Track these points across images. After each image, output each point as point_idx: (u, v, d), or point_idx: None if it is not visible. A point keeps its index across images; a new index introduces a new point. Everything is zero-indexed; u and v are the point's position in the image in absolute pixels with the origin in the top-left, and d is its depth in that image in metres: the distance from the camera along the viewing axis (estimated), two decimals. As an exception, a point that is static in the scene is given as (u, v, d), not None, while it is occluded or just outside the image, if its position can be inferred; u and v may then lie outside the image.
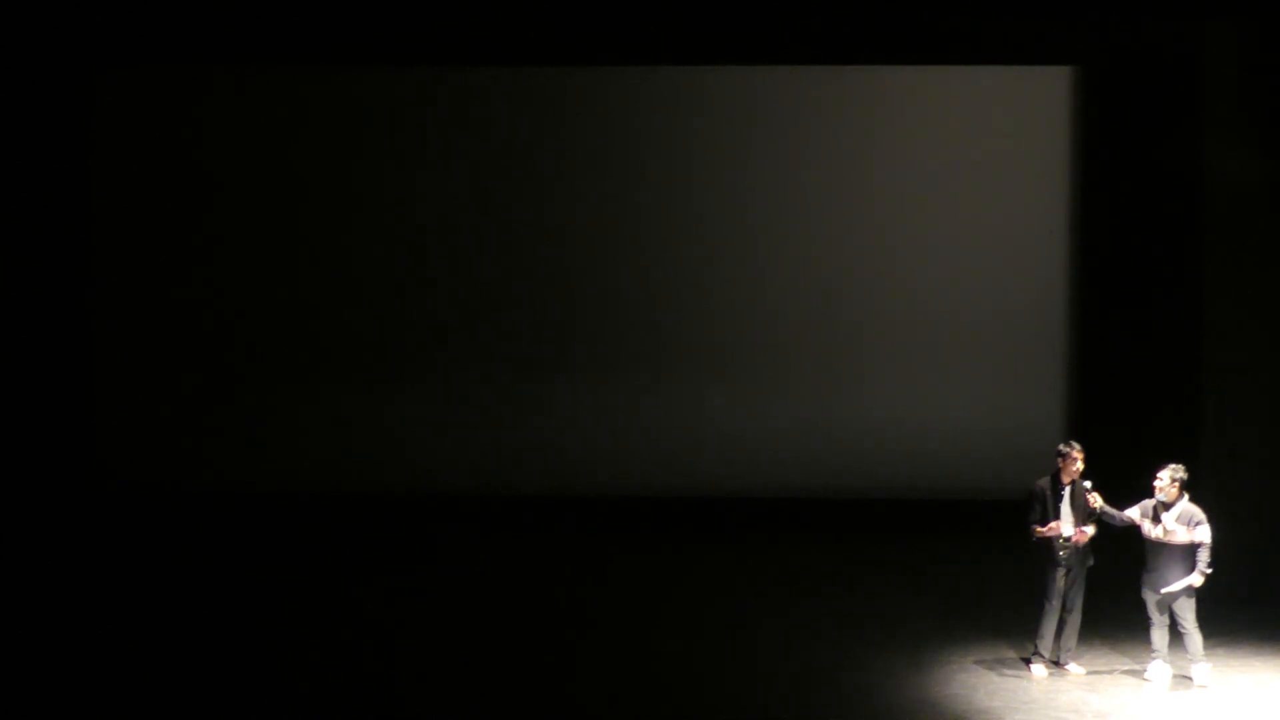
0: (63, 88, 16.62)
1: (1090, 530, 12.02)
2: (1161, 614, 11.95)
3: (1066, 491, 12.01)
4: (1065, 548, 12.00)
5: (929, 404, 17.02)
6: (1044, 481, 12.10)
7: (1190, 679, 11.89)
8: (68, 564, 15.22)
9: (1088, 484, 11.99)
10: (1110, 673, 12.21)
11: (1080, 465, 12.04)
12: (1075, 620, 12.18)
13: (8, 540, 15.59)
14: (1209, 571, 11.73)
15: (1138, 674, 12.10)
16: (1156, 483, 11.91)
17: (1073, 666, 12.19)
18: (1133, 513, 12.02)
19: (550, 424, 17.18)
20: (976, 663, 12.39)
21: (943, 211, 17.05)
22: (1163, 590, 11.83)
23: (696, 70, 16.96)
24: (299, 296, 17.20)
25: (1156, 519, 11.87)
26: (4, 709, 11.14)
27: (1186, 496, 11.87)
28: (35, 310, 16.52)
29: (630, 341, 17.25)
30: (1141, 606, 12.08)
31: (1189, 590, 11.81)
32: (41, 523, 16.16)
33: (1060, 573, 12.05)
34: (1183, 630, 11.89)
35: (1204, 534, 11.75)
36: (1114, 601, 12.75)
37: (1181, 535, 11.78)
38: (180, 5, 16.00)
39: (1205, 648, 12.00)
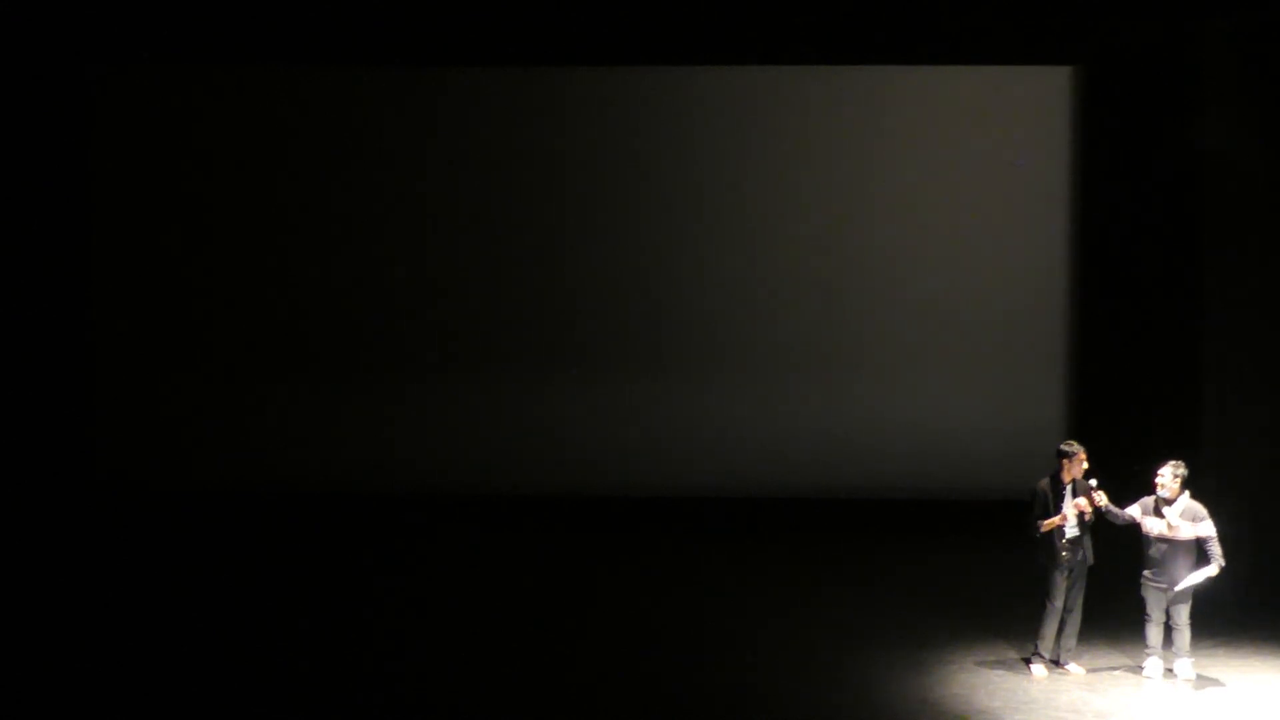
0: (62, 87, 16.62)
1: (1087, 506, 11.96)
2: (1162, 611, 11.98)
3: (1068, 491, 12.01)
4: (1068, 547, 11.99)
5: (929, 404, 17.01)
6: (1045, 482, 12.10)
7: (1174, 673, 11.97)
8: (67, 564, 15.22)
9: (1093, 482, 11.99)
10: (1110, 672, 12.21)
11: (1084, 465, 12.05)
12: (1075, 620, 12.18)
13: (8, 540, 15.60)
14: (1223, 563, 11.78)
15: (1137, 672, 12.11)
16: (1158, 479, 11.96)
17: (1073, 666, 12.19)
18: (1133, 510, 12.06)
19: (550, 424, 17.17)
20: (976, 663, 12.39)
21: (943, 211, 17.05)
22: (1178, 587, 11.85)
23: (696, 70, 16.96)
24: (299, 296, 17.20)
25: (1158, 514, 11.90)
26: (4, 709, 11.14)
27: (1188, 493, 11.92)
28: (35, 310, 16.53)
29: (630, 341, 17.24)
30: (1140, 605, 12.10)
31: (1196, 585, 11.85)
32: (41, 523, 16.17)
33: (1062, 573, 12.04)
34: (1174, 625, 11.95)
35: (1208, 528, 11.83)
36: (1114, 601, 12.76)
37: (1186, 531, 11.83)
38: (180, 5, 16.02)
39: (1205, 647, 12.01)
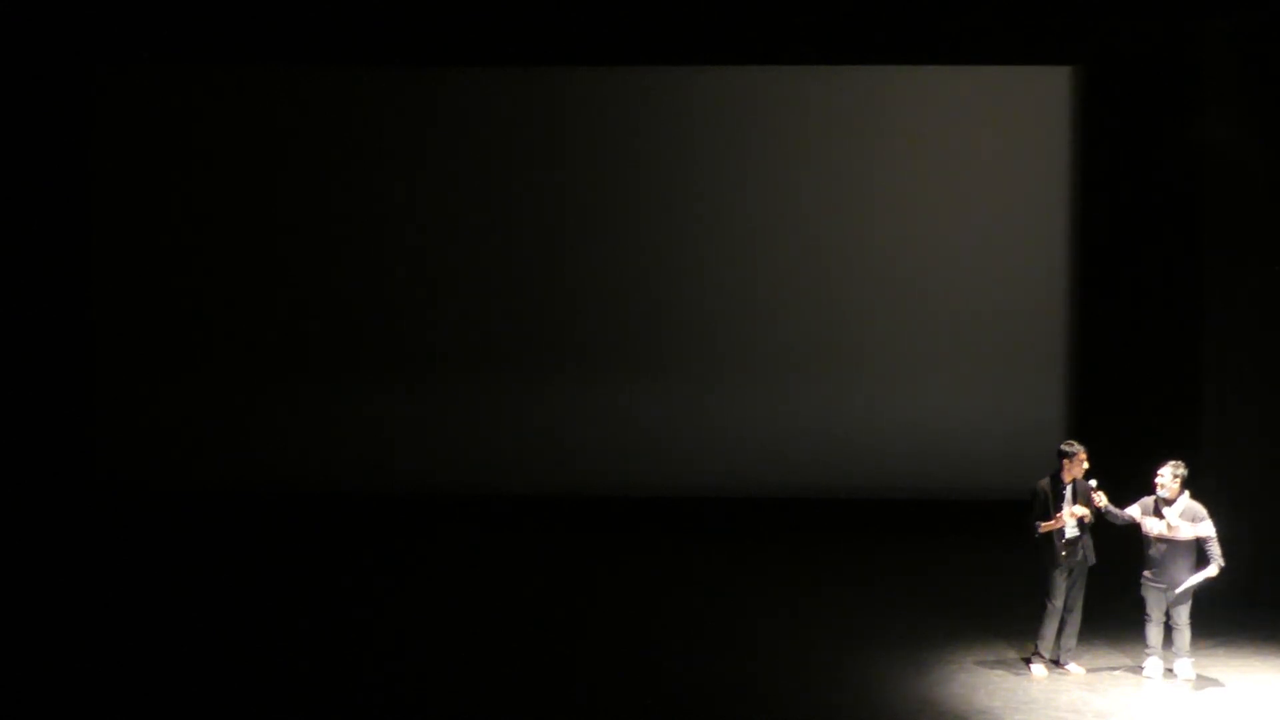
0: (62, 87, 16.62)
1: (1087, 512, 11.97)
2: (1162, 611, 11.98)
3: (1068, 491, 12.01)
4: (1067, 547, 11.99)
5: (929, 404, 17.01)
6: (1045, 481, 12.10)
7: (1174, 673, 11.98)
8: (67, 564, 15.22)
9: (1093, 482, 11.99)
10: (1110, 672, 12.21)
11: (1085, 465, 12.05)
12: (1075, 620, 12.18)
13: (8, 540, 15.60)
14: (1223, 564, 11.78)
15: (1137, 672, 12.11)
16: (1158, 479, 11.97)
17: (1073, 666, 12.19)
18: (1133, 510, 12.06)
19: (550, 424, 17.17)
20: (976, 663, 12.39)
21: (943, 211, 17.05)
22: (1179, 589, 11.85)
23: (696, 70, 16.96)
24: (298, 297, 17.20)
25: (1158, 515, 11.91)
26: (4, 709, 11.14)
27: (1188, 493, 11.92)
28: (35, 310, 16.53)
29: (630, 341, 17.24)
30: (1140, 605, 12.10)
31: (1196, 585, 11.85)
32: (41, 523, 16.16)
33: (1062, 573, 12.04)
34: (1174, 625, 11.96)
35: (1208, 529, 11.83)
36: (1114, 601, 12.76)
37: (1186, 531, 11.83)
38: (180, 5, 16.02)
39: (1205, 648, 12.01)
